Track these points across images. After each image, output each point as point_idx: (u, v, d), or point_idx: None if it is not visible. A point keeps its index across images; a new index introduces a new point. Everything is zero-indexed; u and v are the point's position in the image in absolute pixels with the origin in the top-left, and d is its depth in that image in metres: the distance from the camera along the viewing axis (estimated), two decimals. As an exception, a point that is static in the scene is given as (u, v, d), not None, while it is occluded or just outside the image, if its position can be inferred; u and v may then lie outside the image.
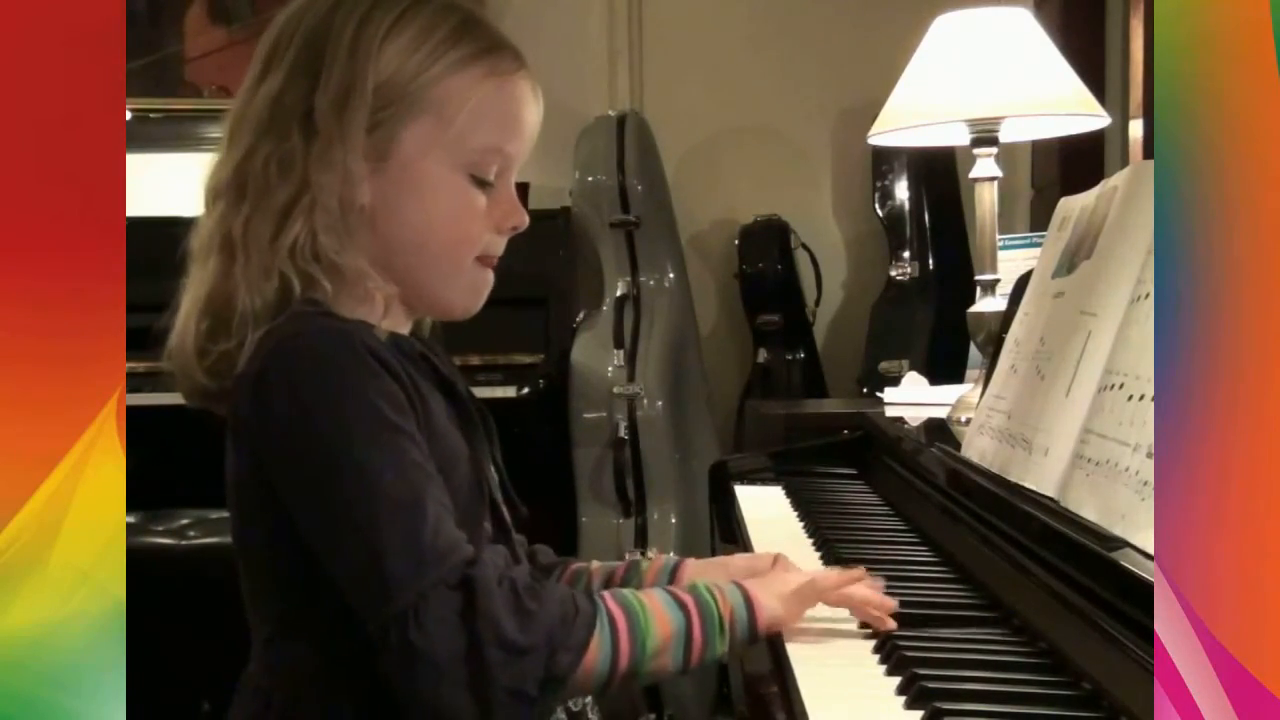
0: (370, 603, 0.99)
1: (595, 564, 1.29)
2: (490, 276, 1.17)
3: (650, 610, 1.05)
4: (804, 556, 1.43)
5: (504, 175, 1.15)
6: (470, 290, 1.16)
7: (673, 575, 1.25)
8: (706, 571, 1.23)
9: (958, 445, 1.51)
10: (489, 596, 0.98)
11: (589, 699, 1.25)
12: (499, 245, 1.17)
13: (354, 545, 1.00)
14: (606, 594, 1.06)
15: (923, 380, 2.42)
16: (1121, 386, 1.08)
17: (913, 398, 2.30)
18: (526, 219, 1.17)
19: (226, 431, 1.09)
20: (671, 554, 1.28)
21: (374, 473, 1.00)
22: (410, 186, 1.11)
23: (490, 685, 0.96)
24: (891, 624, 1.11)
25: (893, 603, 1.12)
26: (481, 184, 1.13)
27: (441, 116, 1.11)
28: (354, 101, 1.09)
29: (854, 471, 2.00)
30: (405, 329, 1.16)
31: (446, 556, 0.99)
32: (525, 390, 3.16)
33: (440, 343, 1.22)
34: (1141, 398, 1.03)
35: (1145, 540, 0.92)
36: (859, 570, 1.15)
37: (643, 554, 3.14)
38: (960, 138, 1.95)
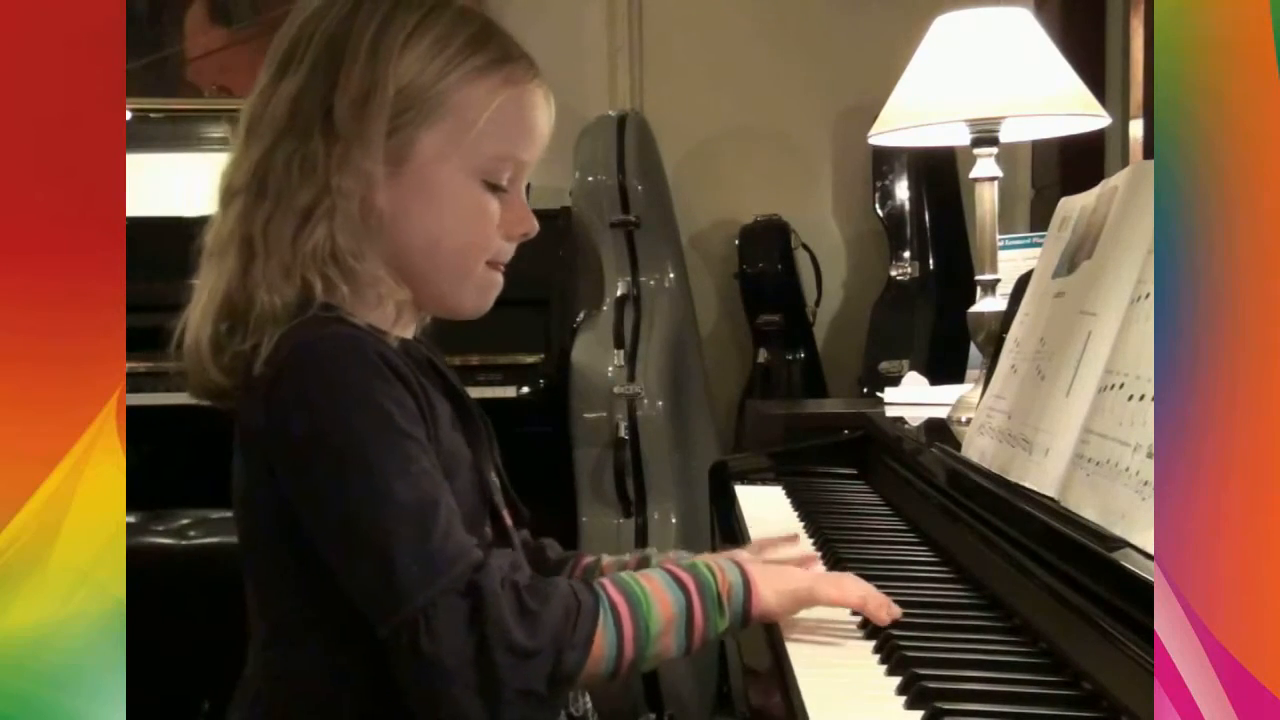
0: (380, 608, 1.00)
1: (607, 558, 1.29)
2: (499, 279, 1.18)
3: (651, 593, 1.05)
4: (804, 556, 1.43)
5: (516, 182, 1.17)
6: (480, 292, 1.17)
7: None
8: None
9: (958, 445, 1.51)
10: (495, 601, 0.98)
11: (589, 705, 1.25)
12: (509, 251, 1.18)
13: (364, 551, 1.00)
14: (606, 581, 1.06)
15: (923, 380, 2.42)
16: (1121, 386, 1.08)
17: (913, 398, 2.30)
18: (537, 226, 1.18)
19: (235, 436, 1.10)
20: (684, 551, 1.28)
21: (385, 479, 1.00)
22: (426, 191, 1.12)
23: (500, 687, 0.97)
24: (897, 611, 1.10)
25: (888, 601, 1.11)
26: (495, 190, 1.14)
27: (460, 123, 1.11)
28: (374, 105, 1.09)
29: (854, 471, 2.00)
30: (411, 332, 1.17)
31: (455, 562, 1.00)
32: (525, 390, 3.16)
33: (436, 342, 1.22)
34: (1141, 398, 1.03)
35: (1145, 540, 0.92)
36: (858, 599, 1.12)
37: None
38: (960, 138, 1.95)
